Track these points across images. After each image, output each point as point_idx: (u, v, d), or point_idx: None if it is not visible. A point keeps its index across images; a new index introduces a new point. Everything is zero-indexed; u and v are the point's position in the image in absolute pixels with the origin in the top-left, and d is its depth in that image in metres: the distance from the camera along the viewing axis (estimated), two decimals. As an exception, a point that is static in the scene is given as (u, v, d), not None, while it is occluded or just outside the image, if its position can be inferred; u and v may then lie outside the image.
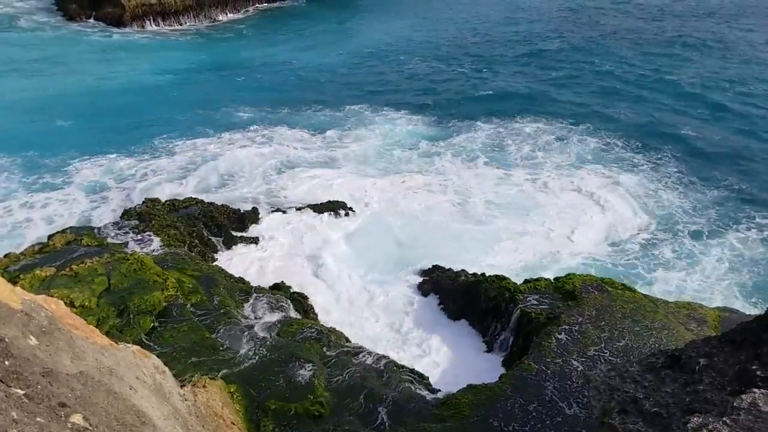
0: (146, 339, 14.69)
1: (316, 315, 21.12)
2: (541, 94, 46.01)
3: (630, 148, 36.94)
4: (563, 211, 30.07)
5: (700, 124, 40.53)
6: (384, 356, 16.32)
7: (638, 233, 28.41)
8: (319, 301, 22.37)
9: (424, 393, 14.92)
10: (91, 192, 30.17)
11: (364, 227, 27.88)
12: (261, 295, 18.76)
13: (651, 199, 31.38)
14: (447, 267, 23.94)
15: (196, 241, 22.60)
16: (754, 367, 6.79)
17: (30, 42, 55.42)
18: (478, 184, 32.65)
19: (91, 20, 62.68)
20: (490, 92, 46.95)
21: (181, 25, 65.86)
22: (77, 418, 4.57)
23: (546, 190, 32.16)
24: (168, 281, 16.71)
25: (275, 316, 17.60)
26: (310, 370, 14.17)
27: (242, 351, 14.76)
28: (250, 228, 25.98)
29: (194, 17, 67.95)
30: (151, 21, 63.94)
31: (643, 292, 18.34)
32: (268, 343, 15.31)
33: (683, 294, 23.74)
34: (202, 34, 64.01)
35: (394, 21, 71.58)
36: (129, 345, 7.79)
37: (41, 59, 50.81)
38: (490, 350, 18.98)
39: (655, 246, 27.45)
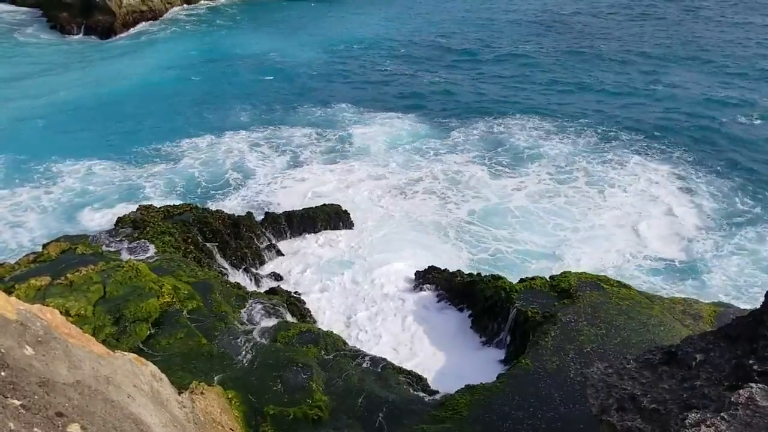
0: (143, 346, 14.63)
1: (313, 319, 21.11)
2: (533, 94, 45.83)
3: (634, 144, 36.60)
4: (613, 211, 29.48)
5: (695, 118, 40.56)
6: (382, 358, 16.31)
7: (697, 226, 28.25)
8: (315, 304, 22.37)
9: (422, 394, 14.93)
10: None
11: (363, 230, 27.87)
12: (257, 300, 18.72)
13: (686, 189, 31.25)
14: (443, 268, 23.93)
15: (191, 247, 22.52)
16: (750, 361, 6.82)
17: (34, 56, 55.28)
18: (495, 186, 32.12)
19: (81, 34, 62.36)
20: (480, 90, 46.83)
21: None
22: (75, 428, 4.55)
23: (576, 190, 31.54)
24: (164, 288, 16.65)
25: (272, 321, 17.57)
26: (308, 374, 14.14)
27: (240, 357, 14.72)
28: (247, 236, 25.89)
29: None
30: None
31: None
32: (265, 348, 15.27)
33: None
34: (188, 23, 64.14)
35: (379, 15, 71.23)
36: (126, 353, 7.77)
37: (42, 71, 50.81)
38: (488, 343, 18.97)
39: (721, 237, 27.42)
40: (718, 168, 33.55)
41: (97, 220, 28.35)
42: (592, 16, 69.92)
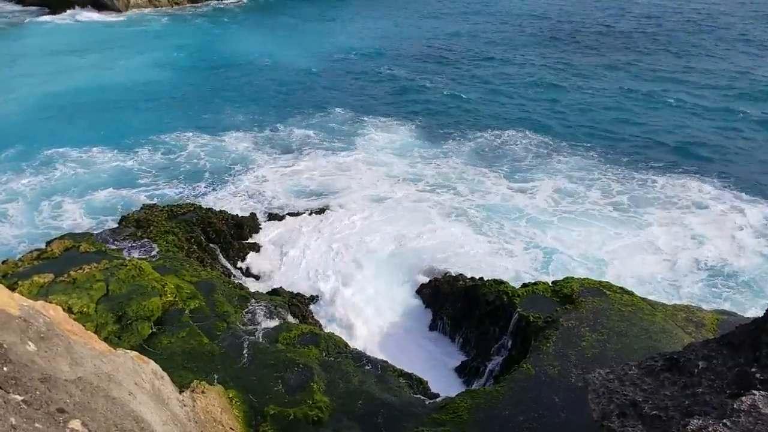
0: (145, 345, 14.65)
1: (315, 320, 21.11)
2: (536, 105, 45.23)
3: (650, 159, 35.81)
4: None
5: (717, 135, 39.91)
6: (382, 361, 16.30)
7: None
8: (317, 306, 22.39)
9: (423, 397, 14.90)
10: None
11: (365, 234, 27.87)
12: (259, 300, 18.72)
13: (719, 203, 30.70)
14: (445, 271, 23.90)
15: (195, 247, 22.57)
16: (753, 369, 6.80)
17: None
18: (504, 188, 31.96)
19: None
20: (474, 102, 46.19)
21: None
22: (76, 424, 4.56)
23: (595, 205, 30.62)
24: (166, 287, 16.68)
25: (273, 322, 17.57)
26: (309, 375, 14.14)
27: (241, 357, 14.73)
28: (250, 236, 25.94)
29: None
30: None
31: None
32: (266, 348, 15.28)
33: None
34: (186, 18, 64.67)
35: (377, 19, 71.25)
36: (127, 351, 7.78)
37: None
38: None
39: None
40: (745, 181, 32.82)
41: (96, 212, 28.70)
42: (599, 24, 69.83)
